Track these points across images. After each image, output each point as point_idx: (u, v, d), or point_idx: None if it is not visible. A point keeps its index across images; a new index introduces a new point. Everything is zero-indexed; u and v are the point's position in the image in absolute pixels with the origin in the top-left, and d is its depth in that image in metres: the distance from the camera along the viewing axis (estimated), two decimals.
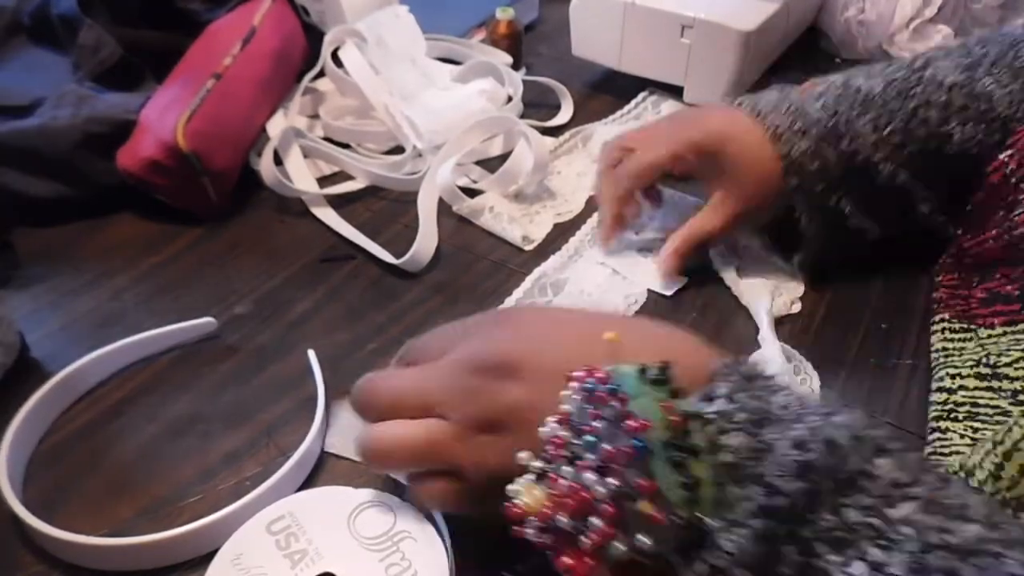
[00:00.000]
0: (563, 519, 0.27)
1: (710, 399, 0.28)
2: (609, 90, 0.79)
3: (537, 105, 0.76)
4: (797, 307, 0.54)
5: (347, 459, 0.43)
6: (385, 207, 0.63)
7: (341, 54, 0.70)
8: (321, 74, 0.70)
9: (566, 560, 0.27)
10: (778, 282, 0.55)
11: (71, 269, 0.56)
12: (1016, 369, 0.41)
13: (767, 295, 0.53)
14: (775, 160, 0.50)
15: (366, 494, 0.39)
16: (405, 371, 0.36)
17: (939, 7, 0.81)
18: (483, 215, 0.61)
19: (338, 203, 0.63)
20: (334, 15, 0.74)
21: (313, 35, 0.73)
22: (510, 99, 0.73)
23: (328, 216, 0.61)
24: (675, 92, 0.76)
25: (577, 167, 0.68)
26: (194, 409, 0.46)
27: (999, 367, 0.42)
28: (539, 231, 0.60)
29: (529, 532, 0.28)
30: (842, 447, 0.26)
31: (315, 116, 0.71)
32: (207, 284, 0.55)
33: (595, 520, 0.26)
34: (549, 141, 0.70)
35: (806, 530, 0.25)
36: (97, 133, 0.58)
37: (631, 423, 0.26)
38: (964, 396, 0.43)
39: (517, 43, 0.80)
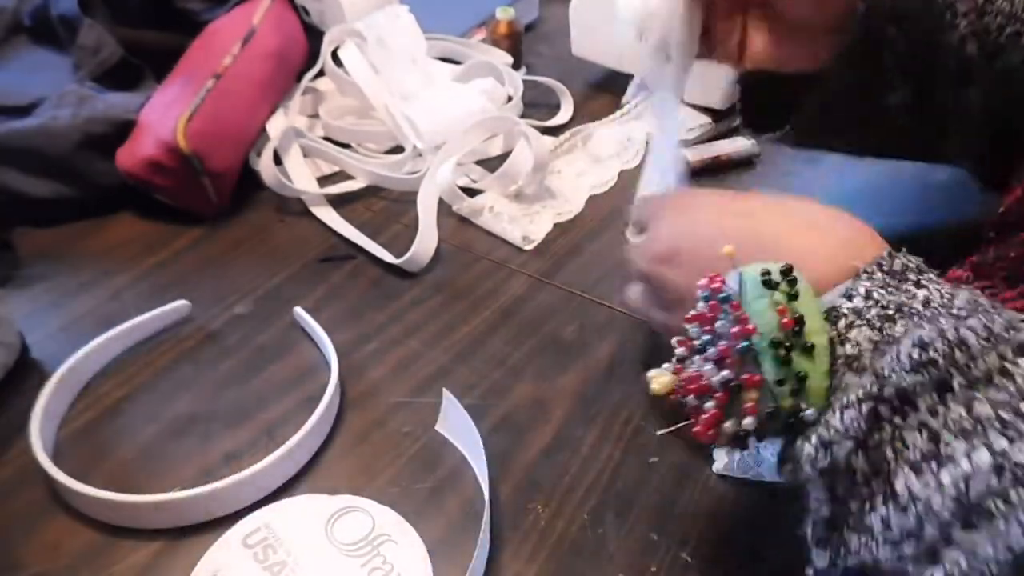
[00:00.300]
0: (689, 400, 0.32)
1: (849, 296, 0.31)
2: (609, 90, 0.79)
3: (537, 105, 0.76)
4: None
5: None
6: (385, 207, 0.63)
7: (341, 54, 0.70)
8: (321, 74, 0.70)
9: (696, 428, 0.32)
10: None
11: (71, 269, 0.56)
12: None
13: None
14: None
15: (343, 500, 0.39)
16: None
17: None
18: (483, 215, 0.61)
19: (338, 203, 0.63)
20: (334, 15, 0.74)
21: (313, 35, 0.73)
22: (510, 99, 0.73)
23: (328, 216, 0.61)
24: None
25: (577, 167, 0.68)
26: (194, 409, 0.46)
27: None
28: (539, 231, 0.60)
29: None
30: (972, 347, 0.28)
31: (315, 116, 0.71)
32: (207, 284, 0.55)
33: (709, 403, 0.31)
34: (549, 141, 0.70)
35: (934, 419, 0.27)
36: (97, 133, 0.58)
37: (739, 328, 0.30)
38: None
39: (517, 43, 0.80)
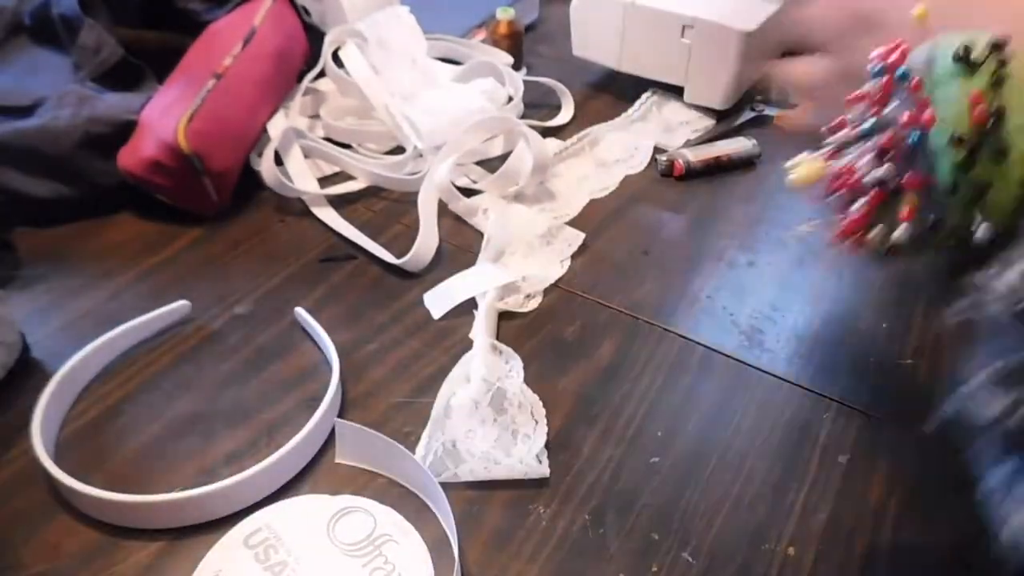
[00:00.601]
0: (837, 196, 0.27)
1: None
2: (609, 90, 0.79)
3: (537, 105, 0.76)
4: (534, 304, 0.54)
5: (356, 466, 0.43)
6: (385, 207, 0.63)
7: (342, 54, 0.70)
8: (322, 74, 0.70)
9: (838, 232, 0.27)
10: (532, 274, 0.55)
11: (71, 269, 0.56)
12: None
13: (493, 289, 0.52)
14: None
15: (344, 500, 0.39)
16: None
17: None
18: (476, 215, 0.61)
19: (339, 203, 0.63)
20: (335, 15, 0.74)
21: (314, 35, 0.73)
22: (510, 99, 0.73)
23: (328, 216, 0.61)
24: (676, 92, 0.76)
25: (580, 171, 0.67)
26: (195, 409, 0.46)
27: None
28: None
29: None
30: None
31: (316, 116, 0.71)
32: (207, 284, 0.55)
33: (859, 203, 0.26)
34: (554, 143, 0.70)
35: None
36: (98, 133, 0.58)
37: (913, 115, 0.24)
38: None
39: (518, 43, 0.80)
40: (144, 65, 0.66)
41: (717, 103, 0.73)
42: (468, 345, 0.50)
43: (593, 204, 0.64)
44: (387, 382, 0.48)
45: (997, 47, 0.24)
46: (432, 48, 0.77)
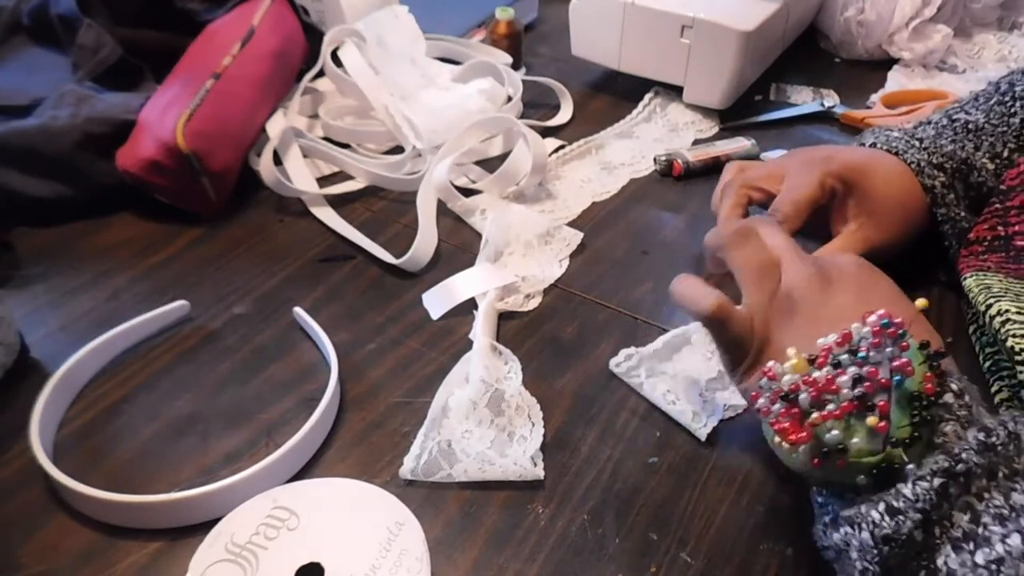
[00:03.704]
0: (801, 397, 0.34)
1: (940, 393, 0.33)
2: (609, 90, 0.79)
3: (537, 105, 0.76)
4: (534, 303, 0.54)
5: None
6: (385, 207, 0.63)
7: (341, 54, 0.70)
8: (321, 74, 0.70)
9: (783, 423, 0.34)
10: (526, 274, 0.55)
11: (71, 269, 0.56)
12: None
13: (493, 290, 0.53)
14: (919, 194, 0.52)
15: (348, 483, 0.39)
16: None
17: (938, 7, 0.81)
18: (474, 215, 0.61)
19: (338, 203, 0.63)
20: (334, 15, 0.74)
21: (313, 35, 0.73)
22: (509, 99, 0.73)
23: (328, 216, 0.61)
24: (678, 92, 0.76)
25: (583, 173, 0.67)
26: (194, 409, 0.46)
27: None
28: None
29: (761, 400, 0.36)
30: (1023, 441, 0.31)
31: (315, 116, 0.71)
32: (207, 284, 0.55)
33: (831, 405, 0.33)
34: (555, 143, 0.70)
35: (979, 503, 0.30)
36: (97, 133, 0.58)
37: (900, 362, 0.32)
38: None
39: (517, 43, 0.80)
40: (143, 65, 0.66)
41: (716, 103, 0.73)
42: (467, 345, 0.50)
43: (593, 207, 0.64)
44: (386, 382, 0.48)
45: (943, 354, 0.34)
46: (431, 48, 0.77)
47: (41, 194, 0.59)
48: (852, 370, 0.33)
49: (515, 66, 0.79)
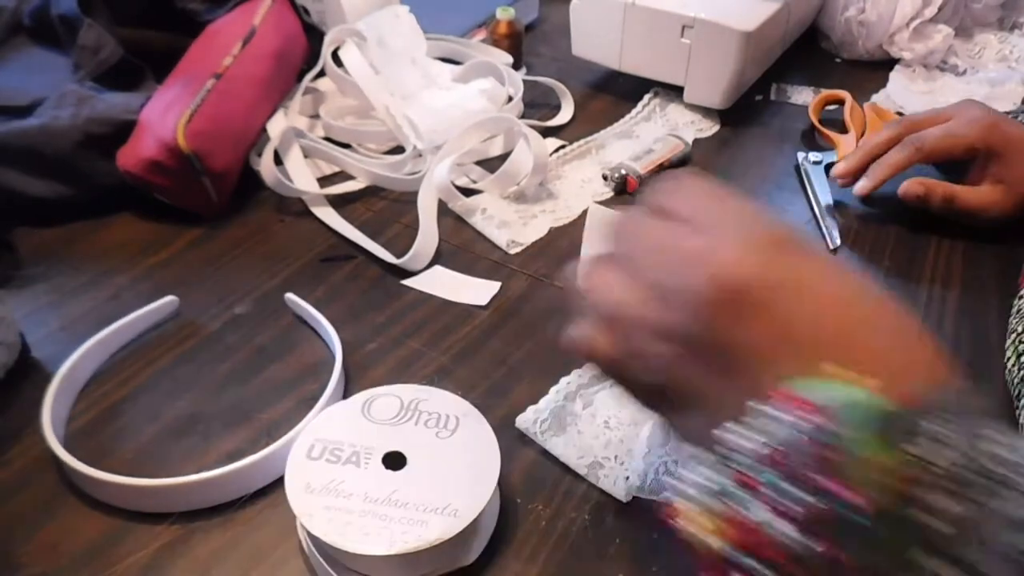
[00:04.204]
0: (727, 549, 0.23)
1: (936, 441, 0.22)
2: (609, 90, 0.79)
3: (537, 105, 0.76)
4: None
5: None
6: (385, 207, 0.63)
7: (341, 54, 0.70)
8: (321, 74, 0.70)
9: None
10: None
11: (71, 269, 0.56)
12: None
13: None
14: None
15: (360, 396, 0.41)
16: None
17: (939, 7, 0.81)
18: (475, 215, 0.61)
19: (338, 203, 0.63)
20: (334, 15, 0.74)
21: (313, 35, 0.73)
22: (510, 99, 0.73)
23: (328, 216, 0.61)
24: (678, 92, 0.76)
25: (584, 173, 0.67)
26: (194, 409, 0.46)
27: None
28: (532, 234, 0.60)
29: (680, 531, 0.24)
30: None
31: (315, 116, 0.71)
32: (207, 284, 0.55)
33: (755, 564, 0.22)
34: (555, 143, 0.70)
35: None
36: (97, 133, 0.58)
37: (847, 494, 0.21)
38: None
39: (517, 43, 0.80)
40: (143, 65, 0.66)
41: (717, 103, 0.73)
42: (468, 345, 0.50)
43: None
44: (387, 382, 0.48)
45: (907, 416, 0.22)
46: (432, 48, 0.77)
47: (42, 194, 0.59)
48: (795, 509, 0.22)
49: (516, 66, 0.79)
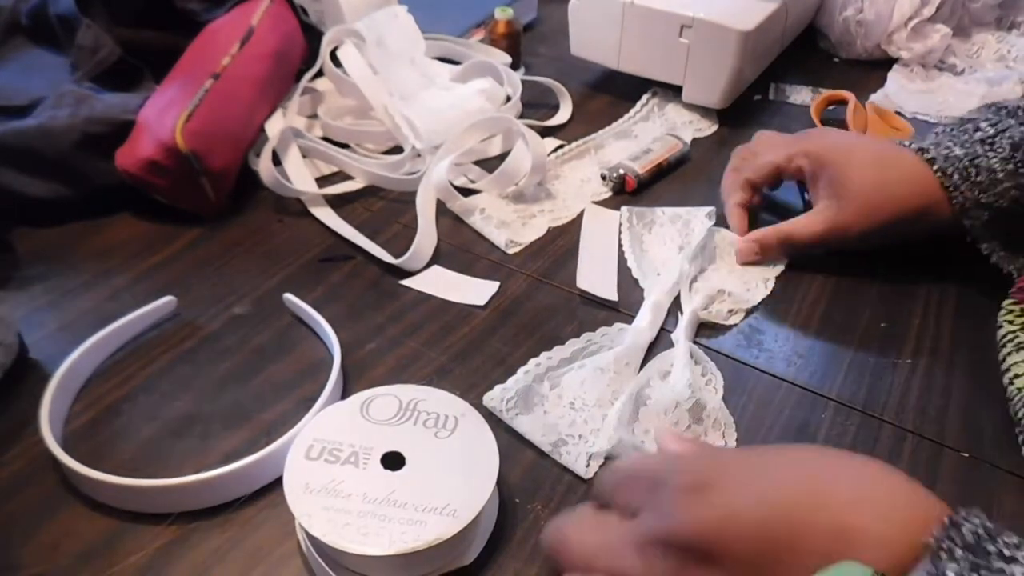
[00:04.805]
0: None
1: None
2: (608, 90, 0.79)
3: (536, 105, 0.76)
4: (735, 319, 0.53)
5: None
6: (384, 207, 0.63)
7: (340, 54, 0.70)
8: (320, 74, 0.70)
9: None
10: (729, 287, 0.54)
11: (70, 269, 0.56)
12: None
13: (699, 296, 0.53)
14: (921, 195, 0.51)
15: (359, 396, 0.41)
16: (596, 526, 0.34)
17: (937, 6, 0.81)
18: (473, 215, 0.61)
19: (337, 203, 0.63)
20: (333, 15, 0.74)
21: (312, 35, 0.73)
22: (509, 99, 0.73)
23: (327, 216, 0.61)
24: (677, 91, 0.76)
25: (582, 173, 0.67)
26: (194, 409, 0.46)
27: None
28: (531, 234, 0.60)
29: None
30: None
31: (314, 116, 0.71)
32: (206, 284, 0.55)
33: None
34: (554, 142, 0.70)
35: None
36: (96, 133, 0.58)
37: None
38: None
39: (516, 43, 0.80)
40: (142, 65, 0.65)
41: (715, 103, 0.73)
42: (467, 345, 0.50)
43: (593, 208, 0.64)
44: (386, 382, 0.48)
45: None
46: (430, 48, 0.77)
47: (41, 194, 0.59)
48: None
49: (514, 66, 0.79)
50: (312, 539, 0.36)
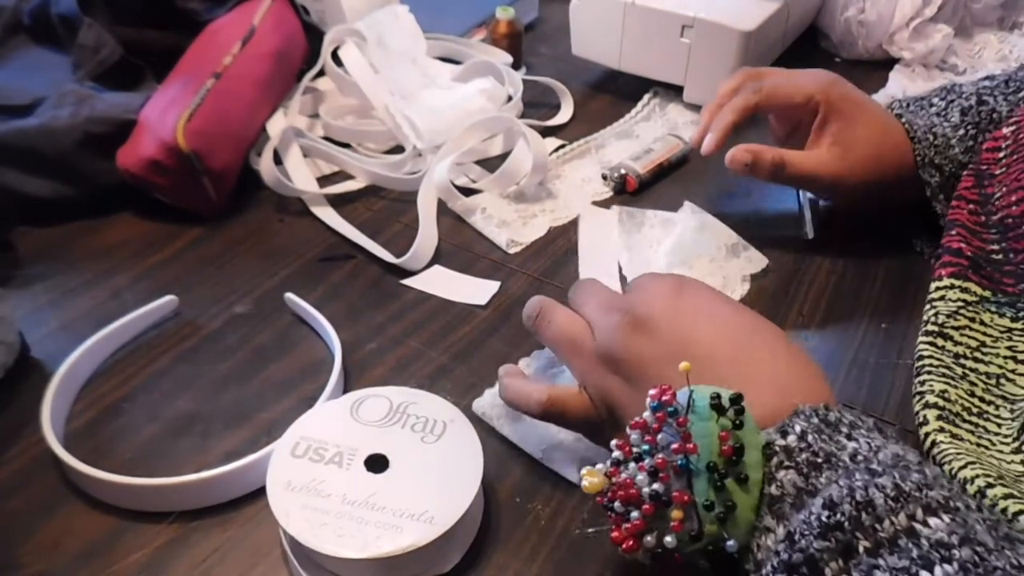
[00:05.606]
0: (616, 505, 0.32)
1: (784, 433, 0.31)
2: (609, 90, 0.79)
3: (537, 105, 0.76)
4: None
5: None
6: (385, 206, 0.63)
7: (341, 53, 0.70)
8: (321, 73, 0.71)
9: (615, 533, 0.32)
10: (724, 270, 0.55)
11: (71, 269, 0.56)
12: (960, 334, 0.45)
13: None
14: (899, 160, 0.55)
15: (350, 396, 0.41)
16: (571, 320, 0.41)
17: (939, 7, 0.81)
18: (475, 215, 0.61)
19: (338, 202, 0.63)
20: (334, 14, 0.74)
21: (313, 34, 0.73)
22: (510, 99, 0.73)
23: (328, 215, 0.61)
24: (677, 91, 0.76)
25: (583, 173, 0.67)
26: (194, 409, 0.46)
27: (945, 327, 0.45)
28: (531, 234, 0.60)
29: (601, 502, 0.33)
30: (878, 508, 0.27)
31: (315, 116, 0.71)
32: (207, 284, 0.55)
33: (635, 512, 0.31)
34: (554, 143, 0.70)
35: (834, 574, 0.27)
36: (97, 133, 0.58)
37: (680, 445, 0.30)
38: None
39: (517, 43, 0.80)
40: (143, 64, 0.66)
41: None
42: (468, 344, 0.50)
43: (593, 207, 0.64)
44: (387, 381, 0.48)
45: (736, 399, 0.31)
46: (431, 47, 0.77)
47: (41, 194, 0.59)
48: (648, 461, 0.31)
49: (515, 66, 0.79)
50: (289, 537, 0.36)
